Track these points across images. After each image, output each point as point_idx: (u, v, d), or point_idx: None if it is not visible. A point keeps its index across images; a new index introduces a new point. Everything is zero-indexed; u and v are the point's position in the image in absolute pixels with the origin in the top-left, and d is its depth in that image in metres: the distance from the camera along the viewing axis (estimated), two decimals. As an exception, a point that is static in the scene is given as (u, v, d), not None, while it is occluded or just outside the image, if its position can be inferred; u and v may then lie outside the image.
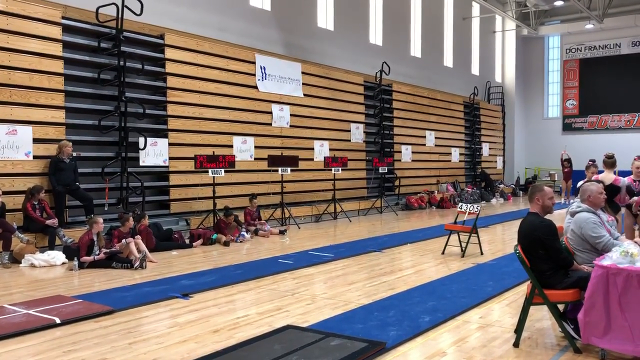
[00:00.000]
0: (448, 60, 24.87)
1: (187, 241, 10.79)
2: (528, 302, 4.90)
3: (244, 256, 9.73)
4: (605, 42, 28.25)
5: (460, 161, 24.22)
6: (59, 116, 10.41)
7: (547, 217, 5.04)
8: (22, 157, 9.76)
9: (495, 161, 27.38)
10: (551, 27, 29.31)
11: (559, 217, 7.76)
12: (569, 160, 22.49)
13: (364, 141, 18.35)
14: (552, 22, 29.24)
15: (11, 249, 8.68)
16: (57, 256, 8.83)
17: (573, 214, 5.27)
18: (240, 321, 5.65)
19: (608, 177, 8.24)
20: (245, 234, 11.54)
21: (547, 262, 4.80)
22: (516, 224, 5.10)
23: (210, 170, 11.99)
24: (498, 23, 29.14)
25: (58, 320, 5.49)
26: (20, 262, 8.66)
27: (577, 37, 28.87)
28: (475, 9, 26.81)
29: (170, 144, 12.21)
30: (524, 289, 6.75)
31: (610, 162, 8.55)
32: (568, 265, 4.86)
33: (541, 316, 5.72)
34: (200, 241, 10.76)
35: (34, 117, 9.99)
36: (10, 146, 9.57)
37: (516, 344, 4.84)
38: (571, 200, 10.50)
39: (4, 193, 9.12)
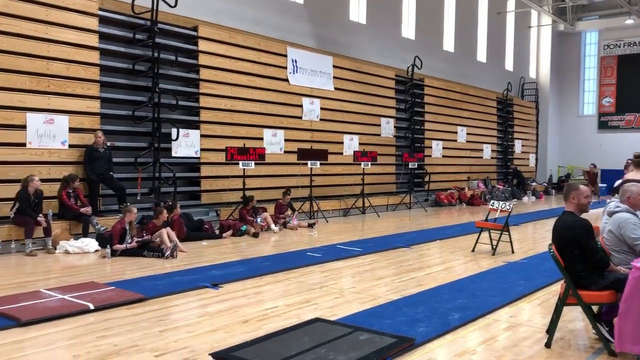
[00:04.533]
0: (481, 55, 24.50)
1: (217, 232, 10.91)
2: (561, 302, 4.80)
3: (272, 248, 9.79)
4: (646, 38, 27.48)
5: (492, 158, 23.90)
6: (94, 106, 10.61)
7: (583, 216, 4.94)
8: (59, 145, 9.98)
9: (528, 158, 26.93)
10: (589, 22, 28.60)
11: (594, 217, 7.60)
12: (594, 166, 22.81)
13: (394, 136, 18.24)
14: (589, 17, 28.54)
15: (33, 237, 8.73)
16: (90, 243, 9.03)
17: (611, 214, 5.14)
18: (268, 312, 5.69)
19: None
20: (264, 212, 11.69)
21: (582, 262, 4.70)
22: (548, 223, 5.00)
23: (240, 162, 12.08)
24: (534, 18, 28.56)
25: (92, 306, 5.61)
26: (56, 249, 8.88)
27: (616, 32, 28.10)
28: (511, 3, 26.32)
29: (202, 136, 12.34)
30: (555, 288, 6.63)
31: (638, 161, 8.29)
32: (604, 266, 4.75)
33: (574, 317, 5.61)
34: (230, 232, 10.85)
35: (70, 107, 10.20)
36: (47, 135, 9.80)
37: (548, 345, 4.76)
38: (608, 200, 10.23)
39: (41, 180, 9.34)
